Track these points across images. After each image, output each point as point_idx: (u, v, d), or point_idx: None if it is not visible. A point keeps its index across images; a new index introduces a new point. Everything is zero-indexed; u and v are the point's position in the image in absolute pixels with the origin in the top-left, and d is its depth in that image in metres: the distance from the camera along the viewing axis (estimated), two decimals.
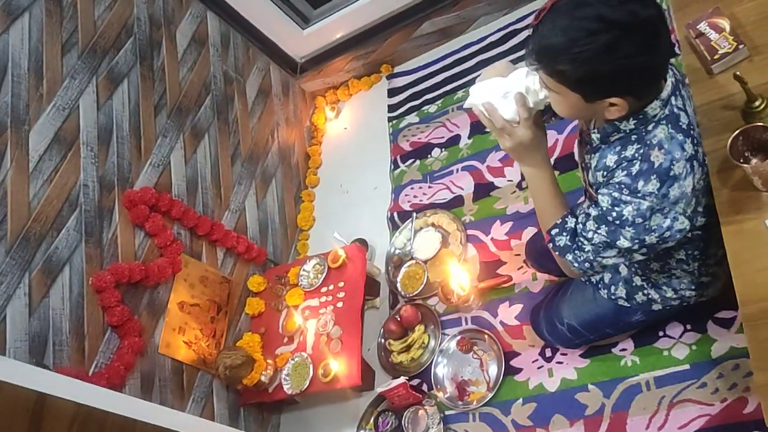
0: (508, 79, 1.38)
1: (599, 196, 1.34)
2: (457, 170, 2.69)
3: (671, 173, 1.26)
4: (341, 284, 2.47)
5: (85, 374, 1.99)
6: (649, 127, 1.27)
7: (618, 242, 1.34)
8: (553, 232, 1.48)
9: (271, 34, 3.20)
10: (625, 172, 1.28)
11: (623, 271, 1.73)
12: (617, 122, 1.29)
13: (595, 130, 1.34)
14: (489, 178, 2.56)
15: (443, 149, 2.80)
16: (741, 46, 1.46)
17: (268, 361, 2.43)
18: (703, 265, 1.58)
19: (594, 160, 1.39)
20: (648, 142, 1.27)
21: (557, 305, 1.91)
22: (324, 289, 2.51)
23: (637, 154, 1.27)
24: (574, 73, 1.16)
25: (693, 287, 1.64)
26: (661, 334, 1.89)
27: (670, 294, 1.67)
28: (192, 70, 2.75)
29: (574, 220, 1.45)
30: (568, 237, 1.45)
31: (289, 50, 3.30)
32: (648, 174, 1.26)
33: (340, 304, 2.43)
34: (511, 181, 2.49)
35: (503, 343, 2.18)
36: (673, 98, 1.30)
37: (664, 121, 1.27)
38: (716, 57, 1.47)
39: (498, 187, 2.52)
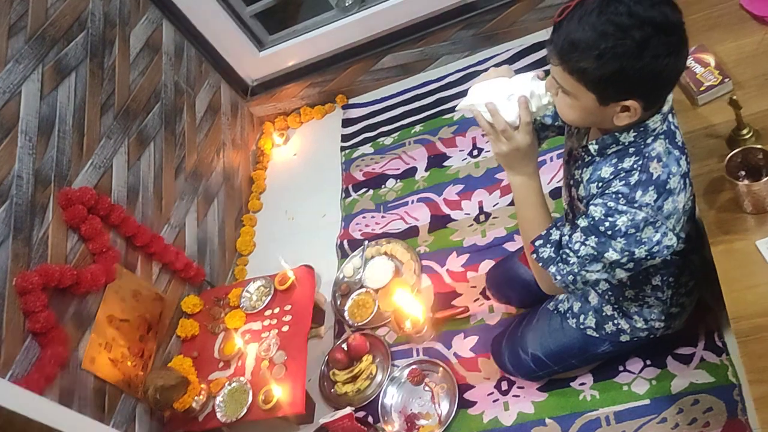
0: (512, 81, 1.36)
1: (591, 207, 1.32)
2: (413, 201, 2.65)
3: (667, 186, 1.27)
4: (288, 307, 2.34)
5: None
6: (648, 140, 1.28)
7: (606, 254, 1.32)
8: (537, 243, 1.45)
9: (225, 53, 3.12)
10: (623, 181, 1.28)
11: (593, 300, 1.72)
12: (617, 133, 1.29)
13: (593, 142, 1.34)
14: (446, 210, 2.54)
15: (398, 180, 2.77)
16: (726, 80, 1.52)
17: (202, 385, 2.24)
18: (675, 294, 1.59)
19: (587, 174, 1.38)
20: (647, 155, 1.27)
21: (522, 334, 1.87)
22: (268, 312, 2.37)
23: (635, 165, 1.27)
24: (598, 70, 1.15)
25: (663, 318, 1.64)
26: (621, 368, 1.87)
27: (640, 324, 1.66)
28: (143, 75, 2.62)
29: (559, 232, 1.43)
30: (552, 249, 1.42)
31: (241, 71, 3.22)
32: (647, 184, 1.26)
33: (285, 328, 2.29)
34: (469, 214, 2.47)
35: (457, 375, 2.11)
36: (670, 115, 1.32)
37: (662, 136, 1.28)
38: (702, 89, 1.53)
39: (455, 220, 2.49)
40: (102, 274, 2.13)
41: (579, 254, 1.35)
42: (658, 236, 1.29)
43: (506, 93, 1.34)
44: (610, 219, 1.28)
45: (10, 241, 1.91)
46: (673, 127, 1.32)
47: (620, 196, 1.27)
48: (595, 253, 1.33)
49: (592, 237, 1.32)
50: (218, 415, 2.19)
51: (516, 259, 2.00)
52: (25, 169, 2.01)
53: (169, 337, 2.45)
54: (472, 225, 2.44)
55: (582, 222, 1.34)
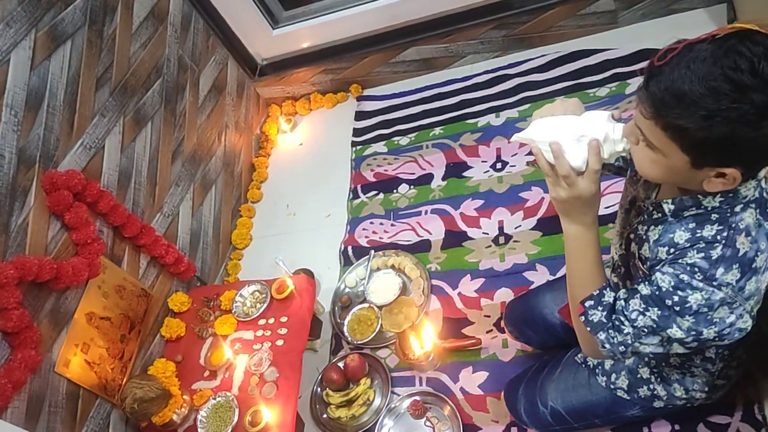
0: (583, 121, 1.16)
1: (658, 274, 1.14)
2: (426, 212, 2.46)
3: (753, 265, 1.09)
4: (284, 319, 2.15)
5: None
6: (737, 209, 1.09)
7: (669, 330, 1.14)
8: (588, 304, 1.27)
9: (236, 27, 2.89)
10: (702, 254, 1.09)
11: (629, 359, 1.55)
12: (700, 196, 1.10)
13: (669, 201, 1.15)
14: (462, 226, 2.35)
15: (412, 186, 2.57)
16: None
17: (184, 396, 2.06)
18: (726, 367, 1.43)
19: (654, 233, 1.19)
20: (734, 226, 1.09)
21: (542, 384, 1.70)
22: (262, 322, 2.18)
23: (719, 237, 1.09)
24: (701, 132, 0.95)
25: (706, 389, 1.48)
26: (645, 431, 1.72)
27: (679, 393, 1.50)
28: (145, 47, 2.39)
29: (613, 294, 1.26)
30: (604, 313, 1.25)
31: (251, 48, 2.99)
32: (731, 261, 1.08)
33: (280, 342, 2.11)
34: (487, 234, 2.29)
35: (462, 413, 1.94)
36: (764, 180, 1.13)
37: (753, 205, 1.10)
38: None
39: (471, 239, 2.31)
40: (85, 268, 1.94)
41: (635, 324, 1.18)
42: (732, 318, 1.11)
43: (576, 133, 1.15)
44: (680, 293, 1.10)
45: None
46: (765, 195, 1.13)
47: (697, 270, 1.09)
48: (655, 326, 1.15)
49: (655, 309, 1.14)
50: (200, 431, 2.01)
51: (541, 296, 1.83)
52: (8, 148, 1.80)
53: (153, 336, 2.26)
54: (489, 246, 2.26)
55: (644, 289, 1.17)
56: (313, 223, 2.69)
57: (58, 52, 2.01)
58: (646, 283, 1.17)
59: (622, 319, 1.21)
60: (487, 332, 2.07)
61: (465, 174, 2.50)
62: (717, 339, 1.14)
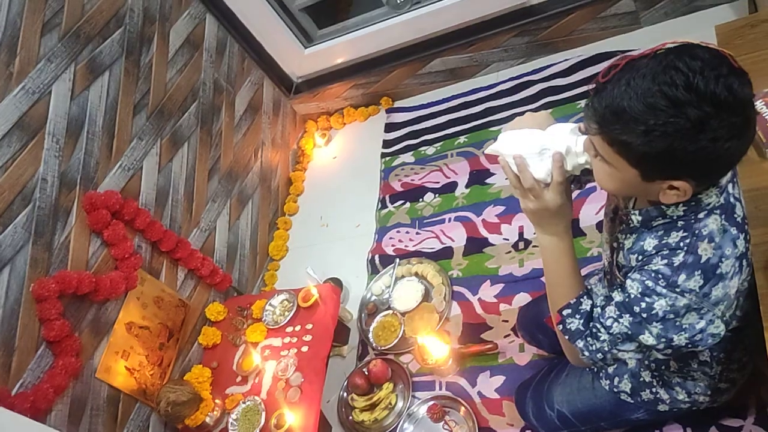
0: (547, 134, 1.18)
1: (628, 281, 1.15)
2: (450, 219, 2.50)
3: (718, 271, 1.08)
4: (309, 326, 2.25)
5: (7, 393, 1.73)
6: (700, 215, 1.09)
7: (641, 337, 1.15)
8: (565, 312, 1.29)
9: (271, 48, 3.03)
10: (665, 261, 1.10)
11: (631, 362, 1.55)
12: (664, 206, 1.11)
13: (636, 212, 1.16)
14: (483, 233, 2.38)
15: (437, 195, 2.63)
16: None
17: (216, 401, 2.18)
18: (725, 370, 1.41)
19: (629, 242, 1.20)
20: (697, 232, 1.09)
21: (549, 388, 1.72)
22: (289, 329, 2.28)
23: (682, 244, 1.09)
24: (642, 147, 0.97)
25: (709, 392, 1.46)
26: None
27: (681, 396, 1.49)
28: (181, 73, 2.55)
29: (590, 302, 1.27)
30: (581, 321, 1.27)
31: (286, 67, 3.12)
32: (692, 268, 1.08)
33: (305, 349, 2.20)
34: (507, 240, 2.32)
35: (479, 417, 1.98)
36: (730, 185, 1.12)
37: (718, 211, 1.10)
38: None
39: (492, 245, 2.34)
40: (122, 281, 2.09)
41: (611, 331, 1.20)
42: (702, 324, 1.11)
43: (539, 146, 1.17)
44: (647, 300, 1.11)
45: (30, 246, 1.88)
46: (732, 200, 1.12)
47: (660, 276, 1.09)
48: (629, 332, 1.17)
49: (627, 315, 1.16)
50: None
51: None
52: (50, 172, 1.98)
53: (191, 344, 2.40)
54: (509, 252, 2.28)
55: (617, 296, 1.19)
56: (344, 233, 2.78)
57: (96, 83, 2.18)
58: (619, 290, 1.19)
59: (599, 326, 1.23)
60: (505, 337, 2.10)
61: (488, 181, 2.53)
62: (690, 345, 1.14)
